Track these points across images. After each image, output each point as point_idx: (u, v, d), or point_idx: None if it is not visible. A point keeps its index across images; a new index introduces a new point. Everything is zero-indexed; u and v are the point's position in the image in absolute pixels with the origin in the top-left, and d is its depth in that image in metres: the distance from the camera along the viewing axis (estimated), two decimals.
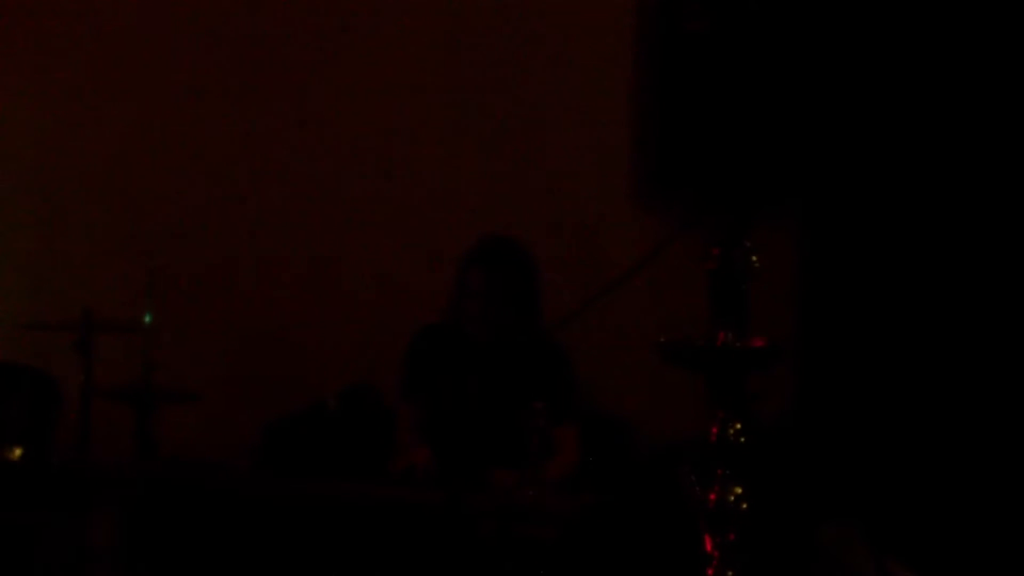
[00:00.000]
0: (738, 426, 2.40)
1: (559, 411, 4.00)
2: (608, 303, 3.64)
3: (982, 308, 4.44)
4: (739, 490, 2.40)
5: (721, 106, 4.65)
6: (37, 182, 6.08)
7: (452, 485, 3.90)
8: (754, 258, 2.42)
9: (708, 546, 2.40)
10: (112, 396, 4.98)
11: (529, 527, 3.74)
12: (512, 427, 4.15)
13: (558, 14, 5.28)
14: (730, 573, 2.39)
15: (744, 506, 2.39)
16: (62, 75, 6.01)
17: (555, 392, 4.10)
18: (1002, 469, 4.33)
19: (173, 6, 5.85)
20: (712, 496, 2.40)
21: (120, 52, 5.93)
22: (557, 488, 3.89)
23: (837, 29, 4.63)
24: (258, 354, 5.69)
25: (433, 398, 4.49)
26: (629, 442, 4.99)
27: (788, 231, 4.84)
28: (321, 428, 4.95)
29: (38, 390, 5.18)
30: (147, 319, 4.89)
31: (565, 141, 5.27)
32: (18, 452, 5.00)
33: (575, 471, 4.22)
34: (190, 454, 4.62)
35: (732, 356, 2.40)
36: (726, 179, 4.57)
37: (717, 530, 2.40)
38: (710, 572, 2.40)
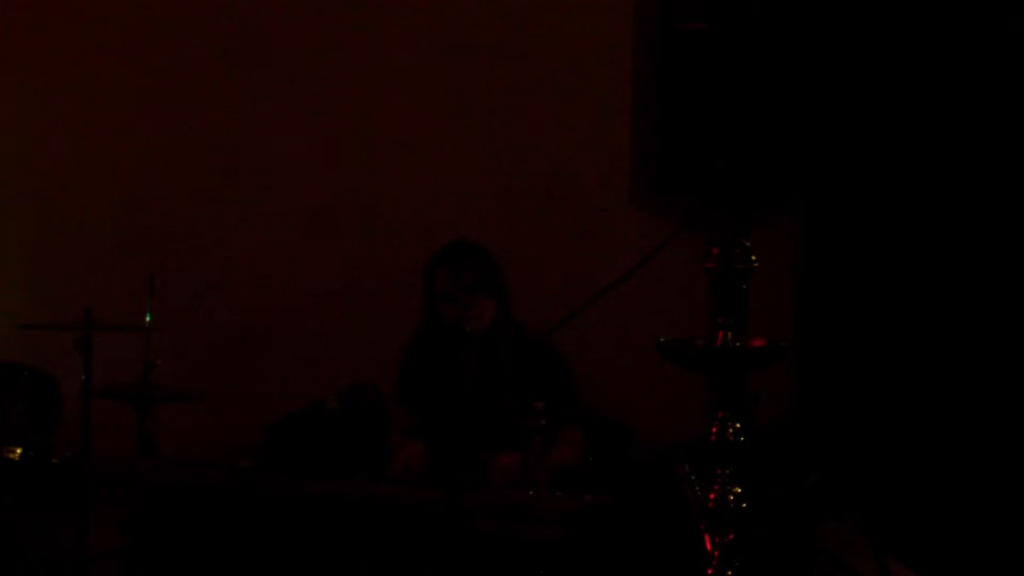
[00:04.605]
0: (738, 426, 2.40)
1: (563, 413, 4.01)
2: (608, 303, 3.64)
3: (981, 308, 4.45)
4: (739, 490, 2.40)
5: (720, 107, 4.67)
6: (37, 182, 6.08)
7: (452, 484, 3.90)
8: (754, 258, 2.41)
9: (708, 546, 2.40)
10: (112, 396, 4.98)
11: (529, 527, 3.75)
12: (509, 420, 4.17)
13: (559, 15, 5.28)
14: (730, 573, 2.39)
15: (744, 506, 2.39)
16: (63, 75, 6.01)
17: (557, 395, 4.11)
18: (1002, 468, 4.33)
19: (174, 7, 5.85)
20: (712, 496, 2.40)
21: (120, 53, 5.94)
22: (559, 480, 3.90)
23: (836, 31, 4.64)
24: (258, 354, 5.70)
25: (429, 397, 4.51)
26: (629, 442, 4.99)
27: (788, 231, 4.84)
28: (321, 428, 4.96)
29: (38, 390, 5.19)
30: (147, 319, 4.89)
31: (566, 141, 5.28)
32: (18, 452, 5.00)
33: (578, 462, 4.23)
34: (190, 454, 4.62)
35: (732, 356, 2.40)
36: (725, 180, 4.59)
37: (717, 530, 2.40)
38: (710, 572, 2.40)
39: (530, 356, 4.42)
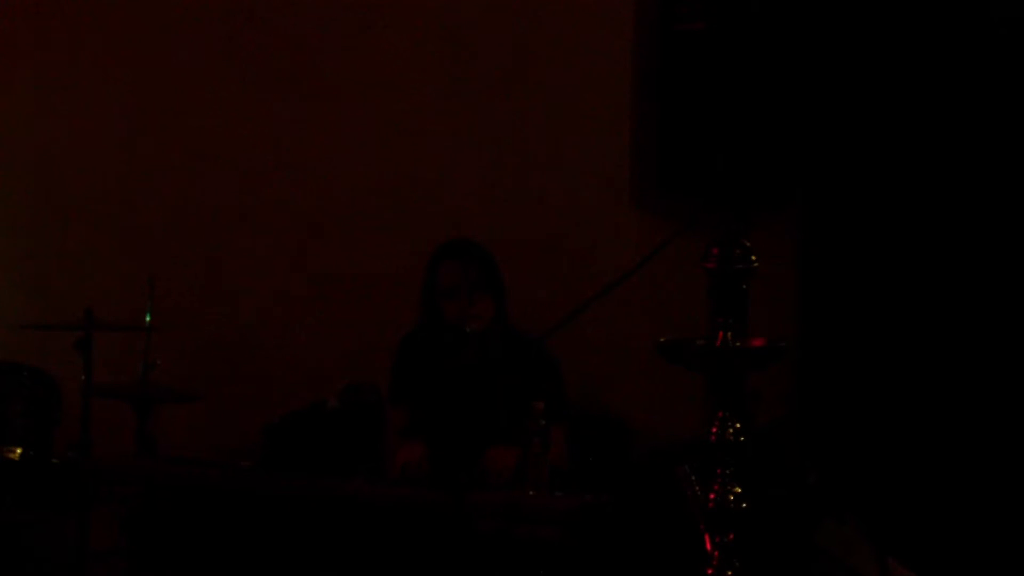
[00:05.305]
0: (738, 426, 2.40)
1: (552, 413, 4.02)
2: (608, 303, 3.64)
3: (981, 307, 4.45)
4: (739, 490, 2.40)
5: (720, 107, 4.67)
6: (37, 182, 6.08)
7: (453, 485, 3.90)
8: (754, 258, 2.41)
9: (708, 546, 2.40)
10: (112, 395, 4.99)
11: (529, 527, 3.75)
12: (505, 420, 4.17)
13: (559, 15, 5.28)
14: (730, 573, 2.39)
15: (744, 506, 2.39)
16: (63, 75, 6.02)
17: (546, 394, 4.11)
18: (1002, 468, 4.33)
19: (175, 8, 5.85)
20: (712, 496, 2.40)
21: (121, 53, 5.94)
22: (548, 484, 3.90)
23: (835, 31, 4.64)
24: (257, 354, 5.69)
25: (424, 397, 4.51)
26: (628, 442, 4.99)
27: (788, 231, 4.84)
28: (321, 427, 4.95)
29: (38, 390, 5.19)
30: (147, 319, 4.89)
31: (566, 141, 5.27)
32: (18, 452, 5.01)
33: (561, 462, 4.23)
34: (190, 454, 4.62)
35: (732, 356, 2.40)
36: (725, 179, 4.59)
37: (717, 530, 2.40)
38: (710, 572, 2.40)
39: (523, 355, 4.41)
